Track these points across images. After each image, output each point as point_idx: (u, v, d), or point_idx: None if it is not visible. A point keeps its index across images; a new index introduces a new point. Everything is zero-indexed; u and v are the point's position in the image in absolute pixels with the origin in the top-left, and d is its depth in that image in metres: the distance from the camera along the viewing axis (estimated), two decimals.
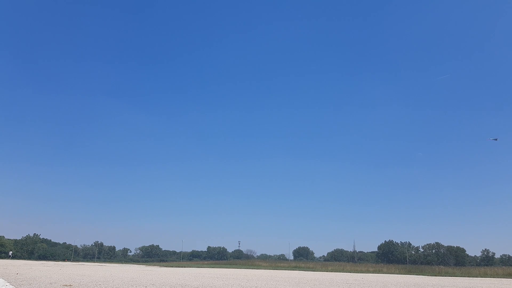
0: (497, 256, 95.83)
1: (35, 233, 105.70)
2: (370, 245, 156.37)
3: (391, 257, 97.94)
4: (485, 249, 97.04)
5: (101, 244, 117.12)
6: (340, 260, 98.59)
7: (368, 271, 38.67)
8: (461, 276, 31.17)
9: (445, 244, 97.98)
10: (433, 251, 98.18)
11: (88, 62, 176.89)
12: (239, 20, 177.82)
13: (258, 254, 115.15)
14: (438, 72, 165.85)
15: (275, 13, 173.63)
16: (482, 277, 30.95)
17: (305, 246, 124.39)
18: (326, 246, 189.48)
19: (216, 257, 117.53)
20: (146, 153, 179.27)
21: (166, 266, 41.54)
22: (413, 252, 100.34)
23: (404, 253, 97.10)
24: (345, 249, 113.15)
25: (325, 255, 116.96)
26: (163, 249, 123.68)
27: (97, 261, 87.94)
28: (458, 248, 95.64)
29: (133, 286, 9.80)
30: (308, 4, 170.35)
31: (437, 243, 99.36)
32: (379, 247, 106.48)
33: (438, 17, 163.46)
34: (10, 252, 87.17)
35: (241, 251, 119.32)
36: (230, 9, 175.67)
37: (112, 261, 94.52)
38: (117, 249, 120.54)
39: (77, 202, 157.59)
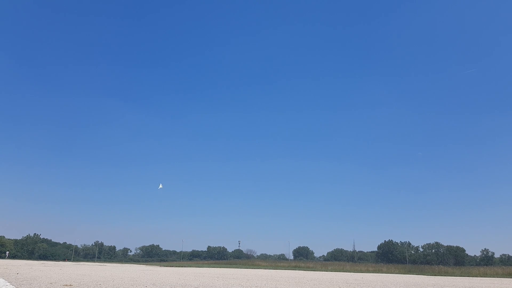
0: (496, 255, 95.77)
1: (35, 233, 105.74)
2: (370, 245, 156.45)
3: (391, 256, 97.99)
4: (485, 249, 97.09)
5: (101, 244, 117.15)
6: (340, 260, 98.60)
7: (368, 271, 38.71)
8: (461, 276, 31.20)
9: (445, 244, 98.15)
10: (433, 250, 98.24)
11: (91, 64, 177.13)
12: (241, 23, 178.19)
13: (258, 254, 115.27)
14: (438, 73, 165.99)
15: (277, 16, 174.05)
16: (481, 276, 30.98)
17: (305, 246, 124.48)
18: (326, 246, 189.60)
19: (216, 257, 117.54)
20: (147, 154, 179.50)
21: (167, 266, 41.58)
22: (412, 252, 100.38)
23: (403, 253, 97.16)
24: (345, 249, 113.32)
25: (325, 255, 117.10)
26: (163, 249, 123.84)
27: (97, 261, 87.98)
28: (457, 247, 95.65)
29: (134, 285, 9.83)
30: (309, 8, 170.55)
31: (436, 242, 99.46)
32: (379, 247, 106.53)
33: (438, 19, 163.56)
34: (7, 252, 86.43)
35: (241, 251, 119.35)
36: (232, 13, 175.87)
37: (113, 261, 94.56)
38: (117, 249, 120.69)
39: (77, 202, 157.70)
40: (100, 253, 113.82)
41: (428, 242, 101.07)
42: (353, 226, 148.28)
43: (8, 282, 10.01)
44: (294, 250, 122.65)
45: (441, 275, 31.86)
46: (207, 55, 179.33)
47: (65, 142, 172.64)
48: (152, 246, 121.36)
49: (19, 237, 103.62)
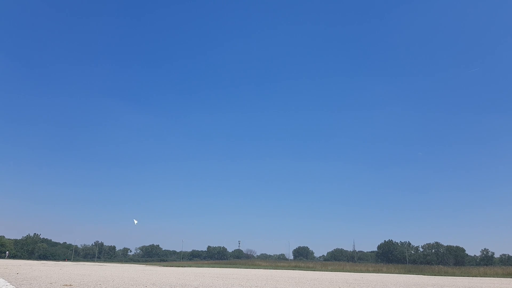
0: (496, 255, 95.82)
1: (35, 233, 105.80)
2: (370, 245, 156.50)
3: (391, 256, 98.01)
4: (485, 249, 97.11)
5: (101, 244, 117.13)
6: (340, 259, 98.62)
7: (368, 271, 38.71)
8: (461, 276, 31.21)
9: (445, 244, 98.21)
10: (433, 250, 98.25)
11: (91, 64, 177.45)
12: (241, 23, 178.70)
13: (258, 254, 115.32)
14: (438, 73, 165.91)
15: (277, 17, 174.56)
16: (481, 276, 30.99)
17: (305, 246, 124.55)
18: (326, 246, 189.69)
19: (216, 256, 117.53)
20: (147, 154, 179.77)
21: (166, 266, 41.58)
22: (412, 252, 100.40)
23: (403, 253, 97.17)
24: (345, 249, 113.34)
25: (325, 254, 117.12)
26: (163, 249, 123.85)
27: (97, 261, 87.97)
28: (457, 247, 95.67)
29: (133, 285, 9.84)
30: (309, 8, 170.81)
31: (436, 242, 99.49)
32: (378, 247, 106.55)
33: (438, 19, 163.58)
34: (7, 252, 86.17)
35: (241, 251, 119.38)
36: (232, 13, 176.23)
37: (113, 261, 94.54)
38: (117, 249, 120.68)
39: (77, 202, 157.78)
40: (100, 253, 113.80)
41: (428, 242, 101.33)
42: (353, 226, 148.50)
43: (8, 282, 10.02)
44: (294, 250, 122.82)
45: (441, 275, 31.86)
46: (207, 55, 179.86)
47: (65, 142, 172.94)
48: (152, 246, 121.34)
49: (19, 237, 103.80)
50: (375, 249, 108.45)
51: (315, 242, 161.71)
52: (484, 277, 30.02)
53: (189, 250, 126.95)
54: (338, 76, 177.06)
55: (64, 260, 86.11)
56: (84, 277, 13.02)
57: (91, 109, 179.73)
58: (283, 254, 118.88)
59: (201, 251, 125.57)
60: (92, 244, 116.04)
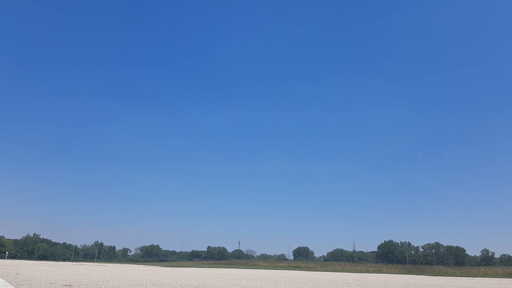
0: (497, 256, 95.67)
1: (35, 233, 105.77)
2: (370, 245, 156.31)
3: (391, 257, 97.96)
4: (485, 249, 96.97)
5: (101, 244, 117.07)
6: (340, 260, 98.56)
7: (368, 271, 38.70)
8: (461, 276, 31.19)
9: (445, 244, 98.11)
10: (433, 251, 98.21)
11: (91, 64, 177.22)
12: (242, 24, 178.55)
13: (258, 254, 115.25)
14: (438, 73, 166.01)
15: (277, 17, 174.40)
16: (482, 277, 30.97)
17: (305, 246, 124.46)
18: (326, 246, 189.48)
19: (216, 257, 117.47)
20: (147, 154, 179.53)
21: (166, 266, 41.57)
22: (413, 252, 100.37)
23: (404, 253, 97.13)
24: (345, 249, 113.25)
25: (325, 255, 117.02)
26: (163, 249, 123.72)
27: (97, 261, 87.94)
28: (458, 248, 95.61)
29: (133, 286, 9.81)
30: (310, 8, 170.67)
31: (436, 243, 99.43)
32: (379, 247, 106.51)
33: (439, 19, 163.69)
34: (7, 252, 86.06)
35: (241, 251, 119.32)
36: (233, 13, 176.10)
37: (112, 261, 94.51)
38: (117, 249, 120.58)
39: (77, 202, 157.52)
40: (100, 253, 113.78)
41: (428, 242, 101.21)
42: (353, 226, 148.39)
43: (8, 282, 9.99)
44: (294, 250, 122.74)
45: (441, 275, 31.85)
46: (207, 55, 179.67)
47: (65, 142, 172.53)
48: (152, 246, 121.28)
49: (18, 237, 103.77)
50: (375, 249, 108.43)
51: (315, 242, 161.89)
52: (485, 277, 30.00)
53: (189, 250, 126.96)
54: (338, 76, 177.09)
55: (63, 260, 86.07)
56: (83, 277, 12.99)
57: (91, 109, 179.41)
58: (283, 254, 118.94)
59: (201, 251, 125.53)
60: (92, 244, 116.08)
